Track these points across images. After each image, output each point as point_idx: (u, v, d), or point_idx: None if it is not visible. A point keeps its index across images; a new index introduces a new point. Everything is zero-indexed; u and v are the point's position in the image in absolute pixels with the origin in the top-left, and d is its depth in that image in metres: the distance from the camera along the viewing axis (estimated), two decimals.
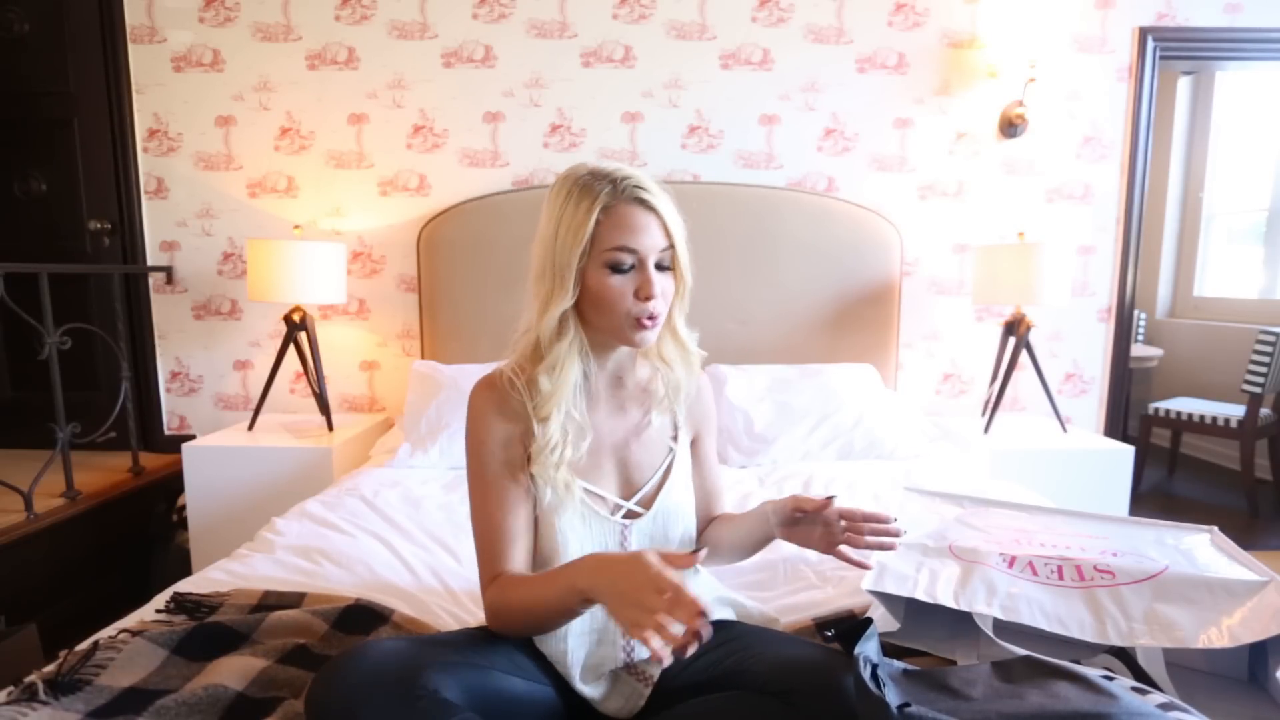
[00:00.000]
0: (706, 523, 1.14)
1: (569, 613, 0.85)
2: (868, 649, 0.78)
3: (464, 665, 0.82)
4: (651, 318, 0.90)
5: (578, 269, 0.89)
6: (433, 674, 0.76)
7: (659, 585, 0.70)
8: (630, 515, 0.98)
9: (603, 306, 0.90)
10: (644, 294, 0.89)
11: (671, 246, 0.91)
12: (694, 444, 1.10)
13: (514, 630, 0.91)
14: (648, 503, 0.99)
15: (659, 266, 0.91)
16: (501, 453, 0.93)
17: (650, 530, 0.98)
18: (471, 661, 0.83)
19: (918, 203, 2.55)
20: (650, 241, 0.89)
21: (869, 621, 0.84)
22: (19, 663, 1.56)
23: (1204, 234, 4.28)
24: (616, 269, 0.89)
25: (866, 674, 0.73)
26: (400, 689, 0.72)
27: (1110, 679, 0.78)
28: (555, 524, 0.93)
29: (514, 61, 2.48)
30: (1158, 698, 0.76)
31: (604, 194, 0.88)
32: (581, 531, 0.95)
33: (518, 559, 0.93)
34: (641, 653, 0.95)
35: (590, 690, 0.92)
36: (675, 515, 1.00)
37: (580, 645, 0.93)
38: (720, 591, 1.06)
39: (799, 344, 2.45)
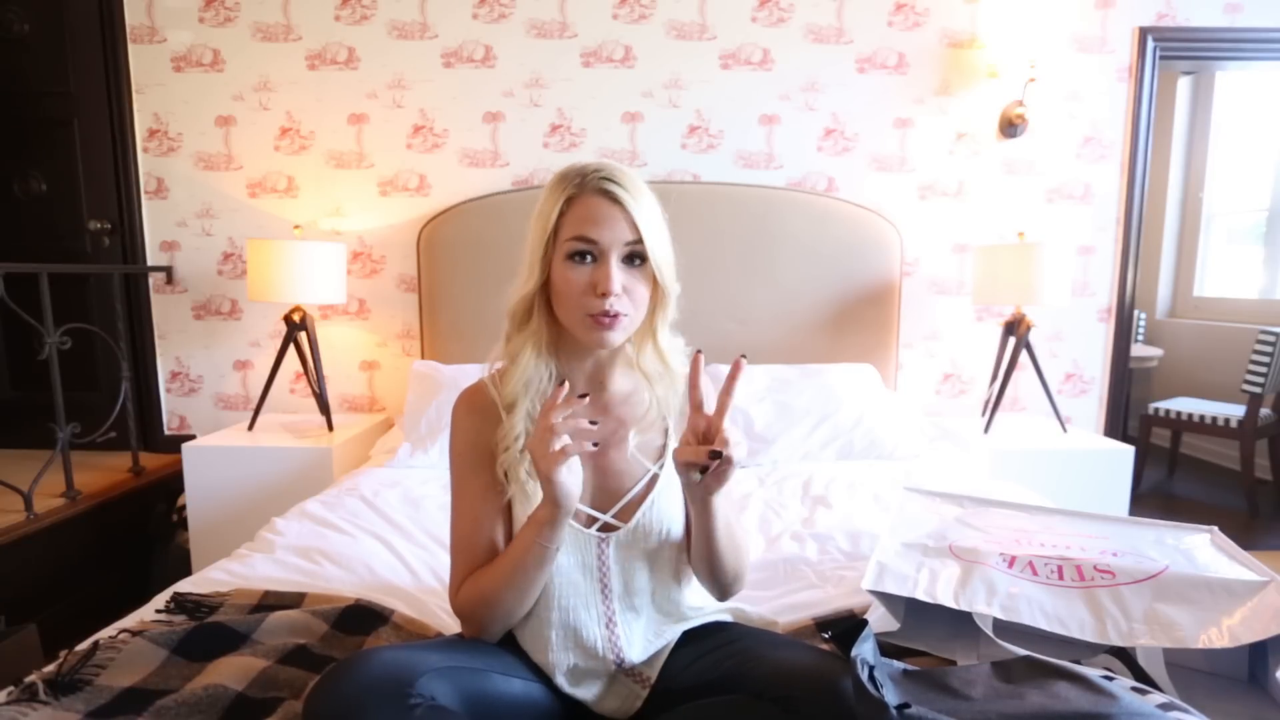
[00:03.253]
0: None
1: (540, 554, 0.84)
2: (864, 650, 0.78)
3: (460, 670, 0.81)
4: (610, 315, 0.85)
5: (543, 259, 0.87)
6: (429, 680, 0.75)
7: (541, 423, 0.81)
8: (607, 528, 0.93)
9: (561, 299, 0.88)
10: (600, 288, 0.84)
11: (640, 241, 0.85)
12: None
13: (490, 622, 0.89)
14: (627, 515, 0.93)
15: (628, 262, 0.87)
16: (479, 464, 0.92)
17: (629, 543, 0.93)
18: (467, 665, 0.83)
19: (918, 203, 2.55)
20: (612, 235, 0.85)
21: (864, 623, 0.84)
22: (19, 663, 1.56)
23: (1204, 234, 4.28)
24: (577, 259, 0.86)
25: (864, 675, 0.73)
26: (396, 697, 0.72)
27: (1110, 679, 0.78)
28: None
29: (514, 61, 2.48)
30: (1158, 698, 0.76)
31: (572, 185, 0.86)
32: None
33: None
34: (631, 658, 0.93)
35: (583, 693, 0.92)
36: (658, 531, 0.93)
37: (565, 659, 0.92)
38: (716, 607, 1.04)
39: (799, 344, 2.45)
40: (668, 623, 0.97)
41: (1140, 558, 1.01)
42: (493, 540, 0.91)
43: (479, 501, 0.92)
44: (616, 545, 0.93)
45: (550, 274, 0.88)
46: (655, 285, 0.89)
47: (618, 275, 0.85)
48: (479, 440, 0.93)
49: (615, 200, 0.85)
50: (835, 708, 0.73)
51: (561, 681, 0.91)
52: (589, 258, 0.86)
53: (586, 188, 0.86)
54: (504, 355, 0.94)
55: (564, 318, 0.89)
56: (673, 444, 0.97)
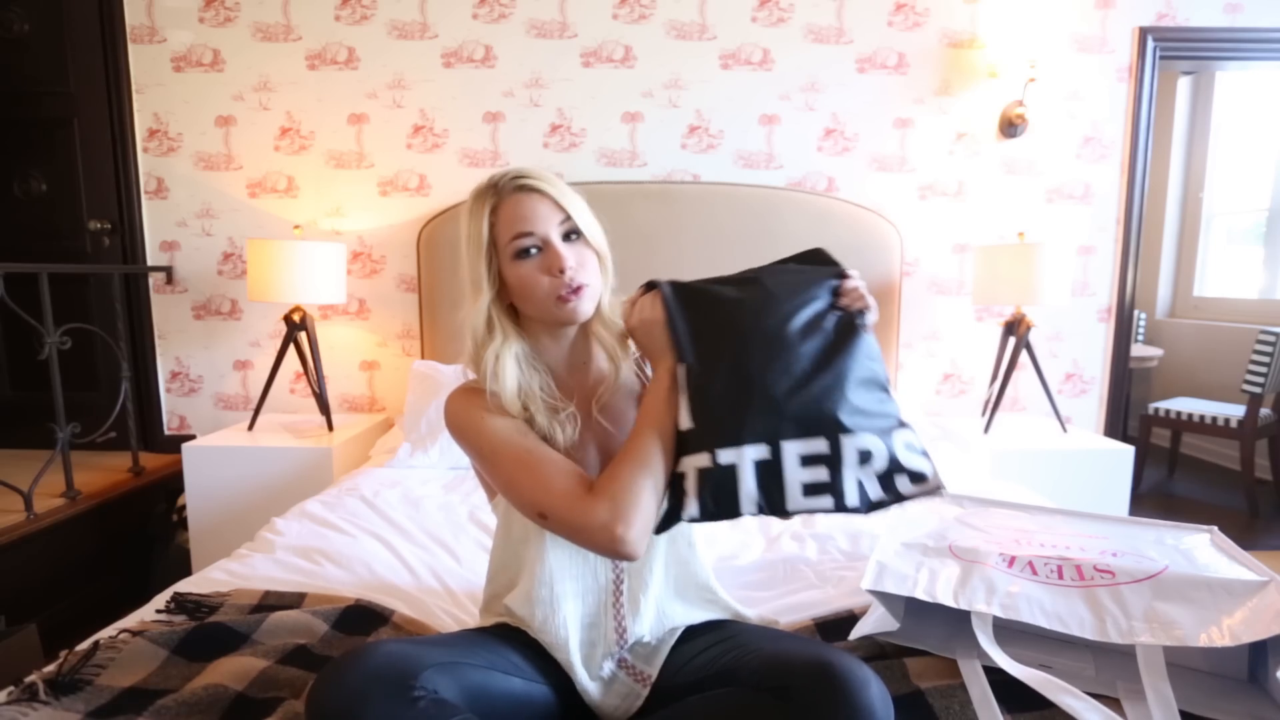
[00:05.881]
0: None
1: (671, 399, 0.88)
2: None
3: (463, 666, 0.82)
4: (575, 289, 0.91)
5: (489, 272, 0.93)
6: (432, 674, 0.76)
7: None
8: None
9: (527, 294, 0.92)
10: (556, 267, 0.90)
11: (569, 219, 0.92)
12: None
13: (641, 499, 0.83)
14: None
15: (567, 237, 0.93)
16: (514, 419, 0.92)
17: None
18: (470, 662, 0.84)
19: (918, 203, 2.55)
20: (546, 221, 0.91)
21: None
22: (19, 663, 1.56)
23: (1204, 234, 4.28)
24: (524, 255, 0.91)
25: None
26: (400, 690, 0.73)
27: None
28: (544, 533, 0.92)
29: (514, 61, 2.48)
30: None
31: (489, 196, 0.93)
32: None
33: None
34: (635, 631, 0.95)
35: (590, 685, 0.93)
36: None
37: (576, 636, 0.94)
38: (722, 600, 1.05)
39: None
40: (676, 600, 0.99)
41: (1140, 558, 1.01)
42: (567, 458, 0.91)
43: (541, 444, 0.92)
44: None
45: (504, 282, 0.93)
46: (597, 255, 0.95)
47: (566, 252, 0.91)
48: (497, 412, 0.93)
49: (535, 190, 0.92)
50: (831, 696, 0.73)
51: (575, 660, 0.92)
52: (534, 250, 0.91)
53: (504, 192, 0.92)
54: (474, 370, 0.96)
55: (534, 311, 0.94)
56: None
